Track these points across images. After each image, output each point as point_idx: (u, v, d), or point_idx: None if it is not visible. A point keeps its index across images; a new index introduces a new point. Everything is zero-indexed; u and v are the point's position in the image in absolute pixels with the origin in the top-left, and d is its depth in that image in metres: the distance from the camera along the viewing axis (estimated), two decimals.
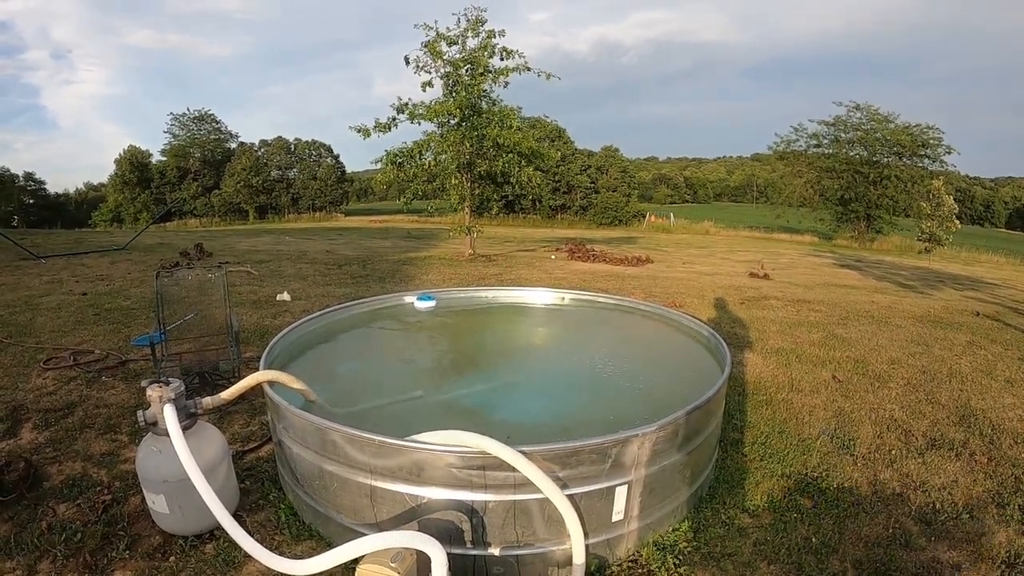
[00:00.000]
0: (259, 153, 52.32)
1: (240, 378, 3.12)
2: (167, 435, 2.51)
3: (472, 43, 12.69)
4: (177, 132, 52.47)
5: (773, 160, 40.26)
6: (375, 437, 2.40)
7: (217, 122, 53.58)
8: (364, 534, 2.18)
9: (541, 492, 2.32)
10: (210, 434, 2.85)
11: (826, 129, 34.58)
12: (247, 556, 2.43)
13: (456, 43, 12.67)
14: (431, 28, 12.60)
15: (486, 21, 12.54)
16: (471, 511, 2.40)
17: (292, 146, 53.57)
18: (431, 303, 5.33)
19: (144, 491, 2.75)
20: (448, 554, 2.10)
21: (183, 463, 2.39)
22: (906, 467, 3.65)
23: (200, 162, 51.23)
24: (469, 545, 2.43)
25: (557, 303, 5.77)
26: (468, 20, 12.55)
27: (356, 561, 2.13)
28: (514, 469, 2.28)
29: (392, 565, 2.08)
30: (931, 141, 31.89)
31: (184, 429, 2.55)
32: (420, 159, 13.33)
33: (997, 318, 8.41)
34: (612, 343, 4.91)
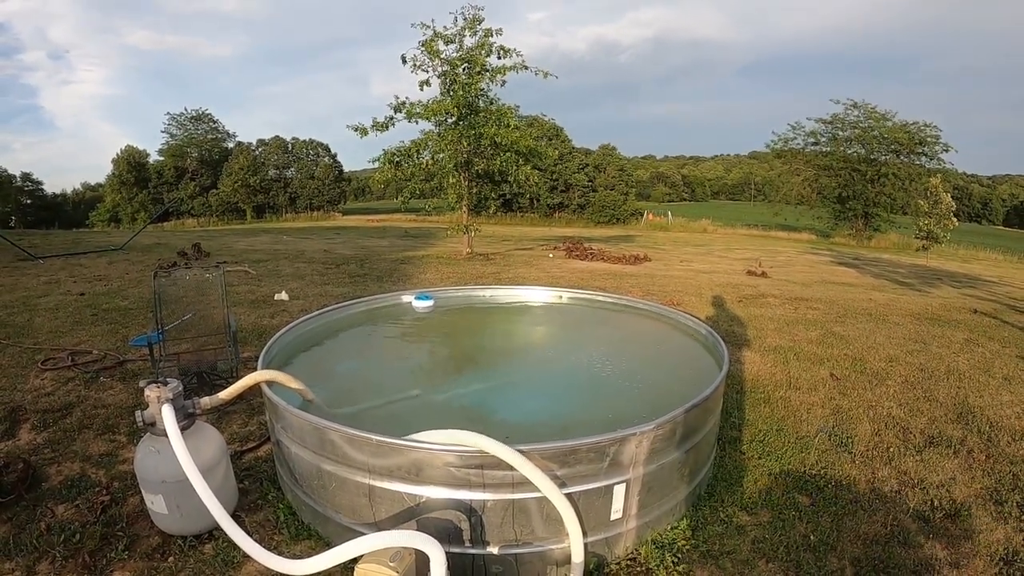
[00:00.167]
0: (256, 153, 52.28)
1: (238, 378, 3.12)
2: (165, 435, 2.51)
3: (469, 42, 12.69)
4: (174, 132, 52.50)
5: (771, 158, 40.29)
6: (373, 437, 2.40)
7: (214, 122, 53.61)
8: (363, 533, 2.18)
9: (539, 491, 2.32)
10: (208, 434, 2.85)
11: (824, 127, 34.61)
12: (246, 556, 2.42)
13: (453, 42, 12.67)
14: (428, 27, 12.60)
15: (483, 20, 12.55)
16: (470, 510, 2.40)
17: (289, 145, 53.54)
18: (429, 302, 5.33)
19: (143, 491, 2.75)
20: (447, 553, 2.10)
21: (181, 463, 2.39)
22: (904, 465, 3.65)
23: (197, 162, 51.18)
24: (468, 544, 2.43)
25: (555, 302, 5.77)
26: (465, 19, 12.55)
27: (355, 561, 2.13)
28: (512, 468, 2.28)
29: (391, 564, 2.09)
30: (929, 139, 31.92)
31: (182, 429, 2.54)
32: (418, 158, 13.34)
33: (995, 315, 8.43)
34: (610, 342, 4.91)
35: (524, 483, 2.32)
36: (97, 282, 8.93)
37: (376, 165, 13.66)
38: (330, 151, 54.60)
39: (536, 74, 12.99)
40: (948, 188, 20.17)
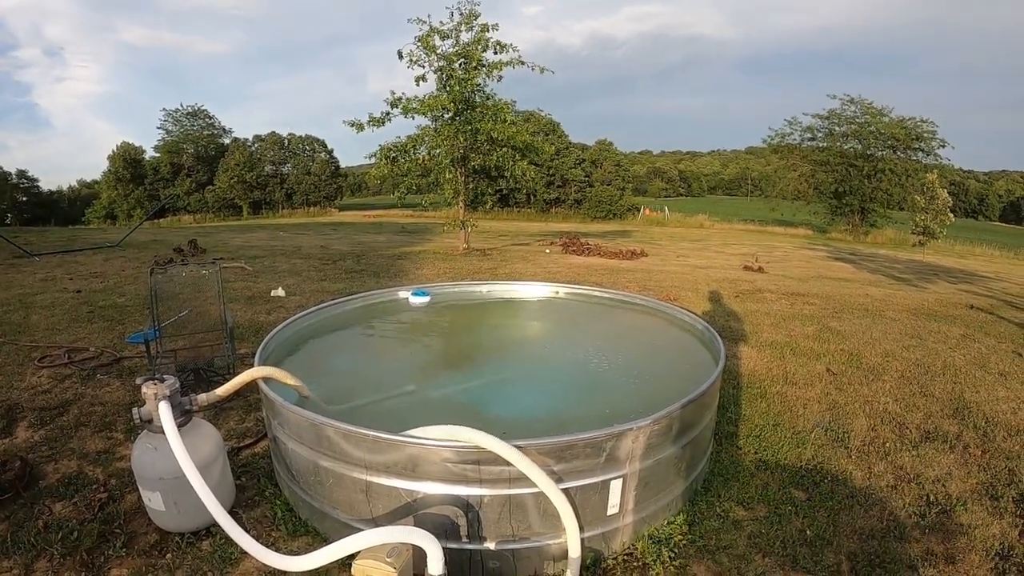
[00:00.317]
0: (253, 148, 52.15)
1: (235, 374, 3.12)
2: (162, 432, 2.50)
3: (465, 37, 12.64)
4: (170, 128, 52.32)
5: (767, 153, 40.32)
6: (370, 433, 2.40)
7: (210, 118, 53.44)
8: (360, 530, 2.19)
9: (536, 486, 2.32)
10: (205, 431, 2.85)
11: (820, 122, 34.59)
12: (244, 553, 2.43)
13: (449, 37, 12.62)
14: (424, 22, 12.56)
15: (479, 15, 12.50)
16: (467, 506, 2.40)
17: (286, 141, 53.41)
18: (425, 298, 5.33)
19: (140, 489, 2.75)
20: (444, 548, 2.11)
21: (179, 460, 2.39)
22: (900, 460, 3.67)
23: (193, 158, 51.04)
24: (465, 539, 2.43)
25: (551, 297, 5.78)
26: (461, 14, 12.50)
27: (352, 556, 2.14)
28: (509, 464, 2.29)
29: (388, 560, 2.09)
30: (925, 134, 31.92)
31: (179, 426, 2.54)
32: (414, 153, 13.31)
33: (991, 311, 8.45)
34: (607, 337, 4.92)
35: (521, 478, 2.32)
36: (93, 279, 8.91)
37: (372, 161, 13.64)
38: (327, 147, 54.55)
39: (532, 69, 12.97)
40: (945, 184, 20.20)
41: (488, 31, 12.51)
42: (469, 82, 12.51)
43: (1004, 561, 2.72)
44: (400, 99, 12.68)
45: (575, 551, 2.39)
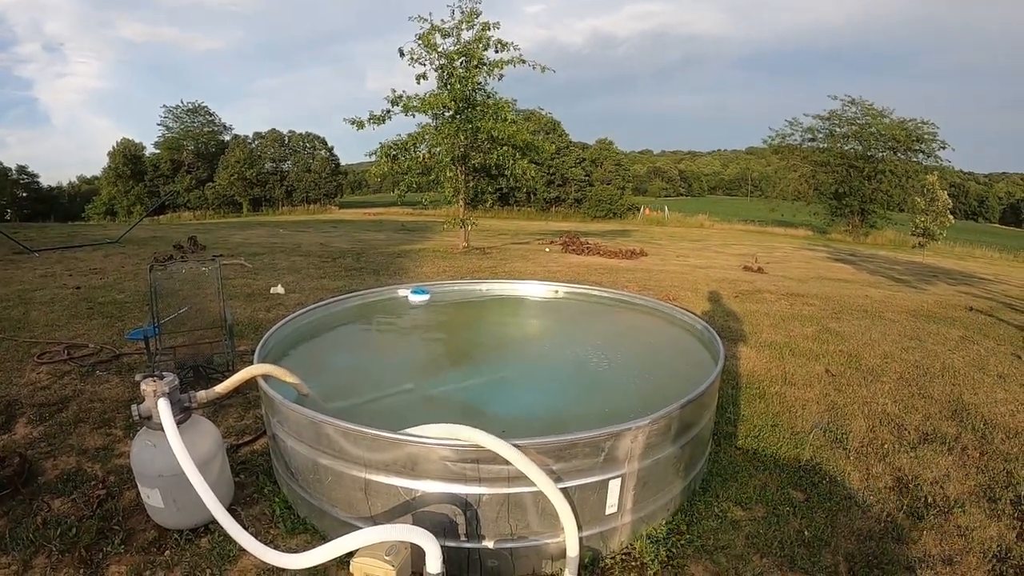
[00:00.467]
0: (253, 145, 52.08)
1: (234, 372, 3.12)
2: (161, 429, 2.50)
3: (467, 35, 12.65)
4: (171, 125, 52.20)
5: (768, 154, 40.32)
6: (369, 431, 2.40)
7: (211, 114, 53.33)
8: (359, 527, 2.19)
9: (535, 485, 2.32)
10: (204, 428, 2.85)
11: (821, 123, 34.60)
12: (242, 550, 2.43)
13: (451, 35, 12.62)
14: (426, 20, 12.56)
15: (480, 13, 12.50)
16: (465, 504, 2.40)
17: (286, 138, 53.34)
18: (425, 296, 5.33)
19: (139, 485, 2.75)
20: (442, 547, 2.11)
21: (178, 457, 2.39)
22: (898, 461, 3.67)
23: (194, 155, 50.94)
24: (463, 538, 2.44)
25: (551, 296, 5.78)
26: (463, 12, 12.50)
27: (351, 554, 2.14)
28: (508, 462, 2.29)
29: (387, 558, 2.09)
30: (926, 136, 31.93)
31: (178, 423, 2.54)
32: (414, 151, 13.31)
33: (990, 313, 8.45)
34: (606, 336, 4.92)
35: (520, 477, 2.32)
36: (93, 275, 8.91)
37: (373, 158, 13.64)
38: (327, 144, 54.44)
39: (533, 68, 12.97)
40: (945, 185, 20.20)
41: (489, 29, 12.50)
42: (470, 80, 12.52)
43: (1001, 563, 2.73)
44: (401, 97, 12.68)
45: (573, 550, 2.39)
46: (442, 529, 2.39)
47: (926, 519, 3.05)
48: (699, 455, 3.19)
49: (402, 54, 12.67)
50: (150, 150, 51.38)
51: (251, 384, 3.12)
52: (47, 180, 53.66)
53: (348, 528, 2.40)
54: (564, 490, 2.39)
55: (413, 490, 2.42)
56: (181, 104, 52.13)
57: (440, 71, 12.79)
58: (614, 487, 2.56)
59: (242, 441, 3.65)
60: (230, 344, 4.75)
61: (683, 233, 27.54)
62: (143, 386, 2.60)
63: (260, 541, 2.17)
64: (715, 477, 3.38)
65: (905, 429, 4.14)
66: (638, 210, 42.46)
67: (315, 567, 2.11)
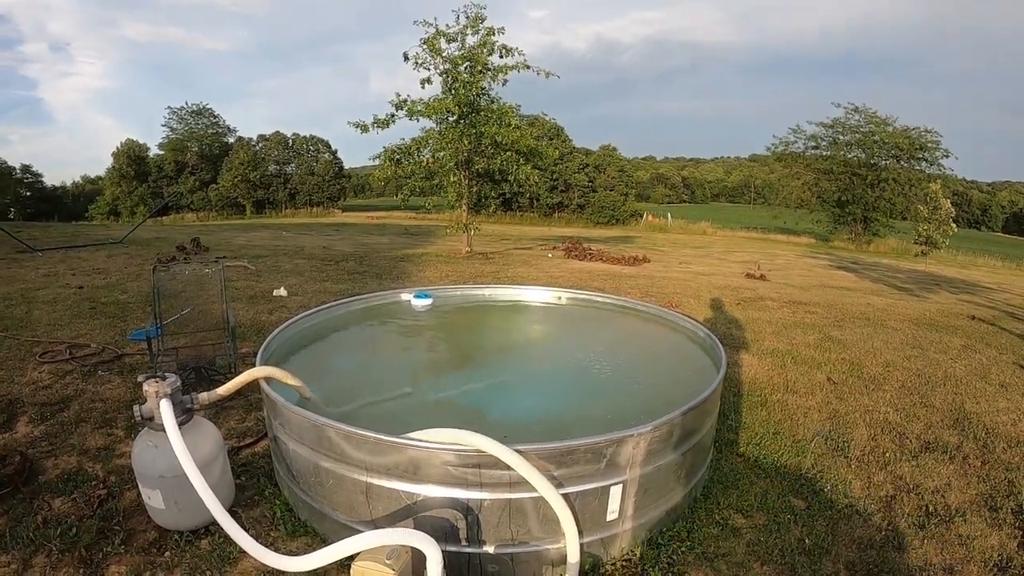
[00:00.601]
0: (257, 148, 52.17)
1: (236, 374, 3.12)
2: (163, 430, 2.51)
3: (471, 40, 12.68)
4: (175, 126, 52.32)
5: (771, 161, 40.28)
6: (371, 434, 2.41)
7: (215, 116, 53.46)
8: (359, 531, 2.19)
9: (536, 491, 2.32)
10: (206, 429, 2.85)
11: (824, 131, 34.56)
12: (242, 552, 2.43)
13: (455, 40, 12.66)
14: (431, 25, 12.59)
15: (485, 18, 12.53)
16: (466, 509, 2.40)
17: (290, 141, 53.42)
18: (428, 301, 5.33)
19: (140, 486, 2.75)
20: (443, 552, 2.11)
21: (179, 458, 2.39)
22: (900, 470, 3.66)
23: (198, 156, 51.03)
24: (464, 543, 2.43)
25: (554, 302, 5.78)
26: (468, 17, 12.54)
27: (351, 558, 2.14)
28: (510, 468, 2.29)
29: (387, 562, 2.09)
30: (929, 144, 31.91)
31: (180, 424, 2.55)
32: (418, 156, 13.33)
33: (992, 322, 8.44)
34: (608, 343, 4.92)
35: (521, 483, 2.32)
36: (96, 275, 8.93)
37: (377, 162, 13.65)
38: (330, 147, 54.50)
39: (538, 74, 12.99)
40: (948, 194, 20.22)
41: (494, 35, 12.53)
42: (474, 85, 12.53)
43: (1002, 572, 2.72)
44: (405, 101, 12.70)
45: (574, 556, 2.39)
46: (443, 534, 2.38)
47: (927, 528, 3.05)
48: (701, 462, 3.18)
49: (406, 58, 12.71)
50: (154, 151, 51.56)
51: (253, 386, 3.12)
52: (51, 180, 53.93)
53: (349, 532, 2.40)
54: (565, 496, 2.39)
55: (414, 494, 2.42)
56: (186, 106, 52.32)
57: (445, 76, 12.82)
58: (615, 493, 2.56)
59: (243, 443, 3.65)
60: (232, 346, 4.75)
61: (686, 240, 27.54)
62: (145, 387, 2.61)
63: (261, 543, 2.17)
64: (716, 484, 3.37)
65: (907, 438, 4.13)
66: (641, 216, 42.43)
67: (316, 570, 2.11)
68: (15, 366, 4.81)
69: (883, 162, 33.20)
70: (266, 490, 3.14)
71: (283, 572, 2.29)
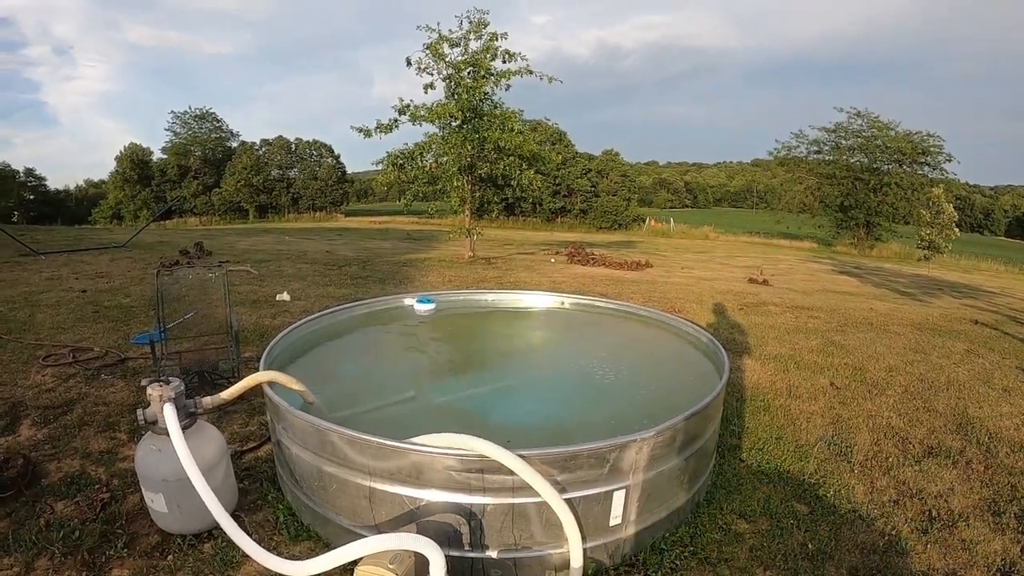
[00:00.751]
0: (260, 152, 52.28)
1: (239, 378, 3.13)
2: (166, 434, 2.52)
3: (474, 45, 12.73)
4: (178, 130, 52.49)
5: (773, 166, 40.31)
6: (374, 439, 2.41)
7: (218, 120, 53.61)
8: (362, 536, 2.19)
9: (539, 496, 2.32)
10: (209, 434, 2.85)
11: (827, 136, 34.61)
12: (245, 556, 2.43)
13: (458, 45, 12.69)
14: (433, 30, 12.63)
15: (488, 24, 12.57)
16: (469, 514, 2.40)
17: (293, 146, 53.55)
18: (431, 306, 5.33)
19: (143, 490, 2.75)
20: (446, 556, 2.11)
21: (182, 462, 2.40)
22: (903, 475, 3.66)
23: (201, 160, 51.18)
24: (467, 548, 2.43)
25: (556, 307, 5.78)
26: (470, 22, 12.57)
27: (355, 563, 2.14)
28: (513, 473, 2.29)
29: (390, 567, 2.09)
30: (932, 149, 31.92)
31: (183, 428, 2.55)
32: (421, 161, 13.36)
33: (995, 327, 8.43)
34: (611, 348, 4.92)
35: (524, 488, 2.32)
36: (99, 279, 8.95)
37: (380, 167, 13.68)
38: (333, 152, 54.63)
39: (541, 79, 13.03)
40: (950, 198, 20.20)
41: (497, 40, 12.57)
42: (477, 90, 12.56)
43: None
44: (408, 106, 12.72)
45: (577, 561, 2.39)
46: (446, 538, 2.38)
47: (930, 533, 3.04)
48: (703, 467, 3.18)
49: (409, 63, 12.75)
50: (157, 155, 51.70)
51: (256, 391, 3.13)
52: (54, 183, 53.99)
53: (352, 536, 2.40)
54: (568, 501, 2.39)
55: (417, 499, 2.42)
56: (189, 110, 52.50)
57: (447, 81, 12.85)
58: (618, 498, 2.56)
59: (246, 447, 3.66)
60: (235, 350, 4.76)
61: (688, 245, 27.54)
62: (149, 391, 2.61)
63: (263, 548, 2.17)
64: (719, 489, 3.37)
65: (910, 442, 4.13)
66: (643, 221, 42.46)
67: (318, 575, 2.11)
68: (18, 369, 4.82)
69: (886, 166, 33.21)
70: (269, 494, 3.15)
71: None
